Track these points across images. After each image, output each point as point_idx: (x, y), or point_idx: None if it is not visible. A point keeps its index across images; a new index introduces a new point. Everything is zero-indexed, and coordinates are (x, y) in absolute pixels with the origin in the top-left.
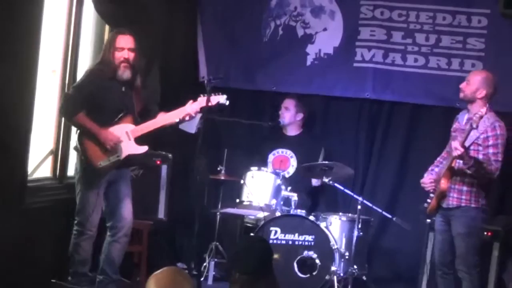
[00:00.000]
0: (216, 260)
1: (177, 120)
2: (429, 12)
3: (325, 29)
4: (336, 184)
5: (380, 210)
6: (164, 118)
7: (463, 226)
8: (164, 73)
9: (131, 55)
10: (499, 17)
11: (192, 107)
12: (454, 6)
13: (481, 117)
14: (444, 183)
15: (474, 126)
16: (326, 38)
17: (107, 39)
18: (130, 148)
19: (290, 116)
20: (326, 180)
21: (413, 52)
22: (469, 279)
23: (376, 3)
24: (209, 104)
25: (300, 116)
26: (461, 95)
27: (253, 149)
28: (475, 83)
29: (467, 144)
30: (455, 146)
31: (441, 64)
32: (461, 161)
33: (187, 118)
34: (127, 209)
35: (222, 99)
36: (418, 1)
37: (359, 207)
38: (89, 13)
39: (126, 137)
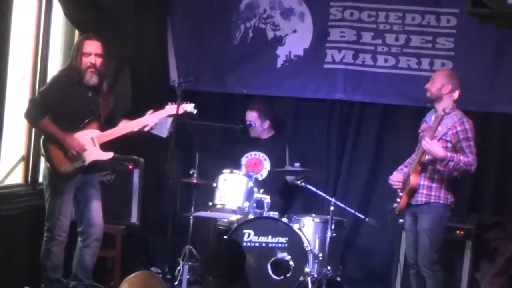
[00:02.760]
0: (190, 264)
1: (136, 129)
2: (399, 13)
3: (295, 31)
4: (308, 186)
5: (353, 211)
6: (125, 127)
7: (430, 222)
8: (135, 78)
9: (98, 61)
10: (468, 16)
11: (152, 119)
12: (423, 6)
13: (444, 109)
14: (414, 179)
15: (447, 111)
16: (296, 40)
17: (74, 45)
18: (95, 154)
19: (257, 128)
20: (298, 182)
21: (383, 53)
22: (433, 276)
23: (346, 4)
24: (177, 112)
25: (267, 123)
26: (428, 94)
27: (225, 152)
28: (439, 81)
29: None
30: (426, 140)
31: (411, 64)
32: (429, 156)
33: (146, 129)
34: (96, 214)
35: (189, 107)
36: (387, 1)
37: (332, 208)
38: (59, 18)
39: (92, 143)
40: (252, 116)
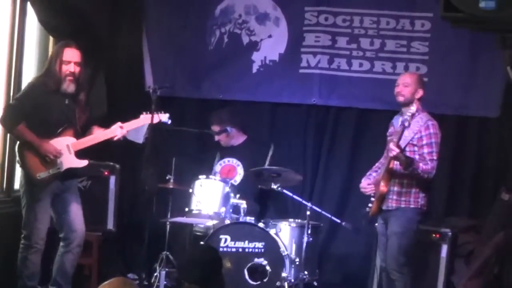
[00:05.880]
0: (167, 269)
1: (103, 139)
2: (373, 17)
3: (270, 36)
4: (284, 191)
5: (329, 215)
6: (101, 135)
7: (399, 226)
8: (111, 84)
9: (77, 69)
10: (442, 21)
11: (122, 131)
12: (397, 10)
13: (413, 115)
14: (383, 186)
15: (406, 124)
16: (271, 45)
17: (53, 51)
18: (70, 161)
19: (224, 137)
20: (274, 186)
21: (358, 57)
22: (401, 278)
23: (320, 9)
24: (152, 122)
25: (233, 130)
26: (401, 99)
27: (201, 158)
28: (413, 85)
29: (402, 145)
30: (391, 147)
31: (386, 68)
32: (398, 163)
33: (115, 138)
34: (78, 219)
35: (164, 117)
36: (362, 6)
37: (308, 212)
38: (33, 24)
39: (67, 150)
40: (216, 129)
